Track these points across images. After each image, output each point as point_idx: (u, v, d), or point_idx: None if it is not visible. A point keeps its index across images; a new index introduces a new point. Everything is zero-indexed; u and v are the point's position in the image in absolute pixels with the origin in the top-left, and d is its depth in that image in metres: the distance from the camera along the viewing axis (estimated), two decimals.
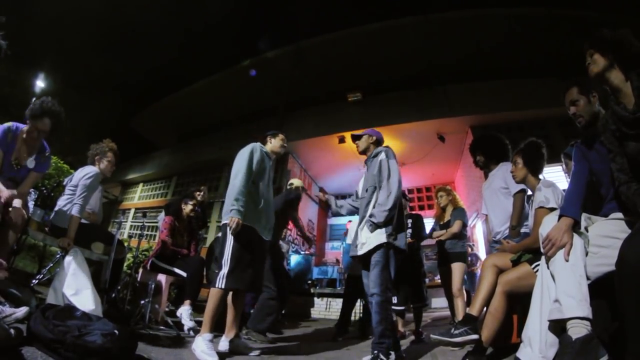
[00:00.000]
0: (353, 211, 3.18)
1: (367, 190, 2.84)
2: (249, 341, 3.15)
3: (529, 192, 2.79)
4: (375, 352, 2.40)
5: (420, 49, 10.04)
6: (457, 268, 4.07)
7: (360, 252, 2.68)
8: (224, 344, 2.68)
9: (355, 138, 3.17)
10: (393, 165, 2.79)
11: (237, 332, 2.78)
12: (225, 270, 2.57)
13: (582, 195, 1.74)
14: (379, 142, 3.11)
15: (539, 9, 9.02)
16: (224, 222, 2.73)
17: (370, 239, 2.63)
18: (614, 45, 1.52)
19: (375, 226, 2.61)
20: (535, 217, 2.35)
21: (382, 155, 2.84)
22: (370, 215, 2.66)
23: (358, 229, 2.80)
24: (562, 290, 1.44)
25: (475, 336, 1.99)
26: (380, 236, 2.60)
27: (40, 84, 10.40)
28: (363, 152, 3.12)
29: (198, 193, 4.97)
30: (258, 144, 3.10)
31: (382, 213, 2.60)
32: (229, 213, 2.63)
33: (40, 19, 12.62)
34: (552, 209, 2.22)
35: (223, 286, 2.54)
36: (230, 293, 2.77)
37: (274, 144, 3.23)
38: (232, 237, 2.63)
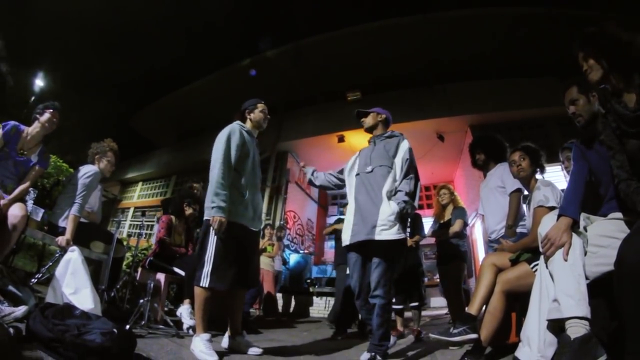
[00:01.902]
0: (328, 186, 3.10)
1: (379, 166, 2.66)
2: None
3: (525, 192, 2.81)
4: (373, 353, 2.37)
5: (419, 48, 10.04)
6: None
7: (379, 236, 2.44)
8: (224, 342, 2.65)
9: (362, 114, 3.03)
10: (414, 160, 2.71)
11: (239, 330, 2.70)
12: (208, 268, 2.45)
13: (581, 194, 1.74)
14: (387, 121, 3.02)
15: (539, 9, 9.02)
16: (206, 217, 2.59)
17: (398, 229, 2.46)
18: (608, 51, 1.50)
19: (405, 214, 2.48)
20: (534, 216, 2.35)
21: (406, 144, 2.73)
22: (406, 202, 2.47)
23: (381, 206, 2.51)
24: (560, 289, 1.45)
25: (474, 335, 1.99)
26: (403, 233, 2.51)
27: (39, 83, 10.40)
28: (369, 130, 2.99)
29: (195, 189, 4.96)
30: (236, 124, 2.87)
31: (413, 208, 2.53)
32: (210, 211, 2.48)
33: (40, 19, 12.59)
34: (551, 208, 2.23)
35: (207, 285, 2.42)
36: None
37: (254, 117, 3.02)
38: (214, 233, 2.49)
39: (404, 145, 2.71)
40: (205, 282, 2.43)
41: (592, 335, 1.33)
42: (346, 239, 2.67)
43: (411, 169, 2.65)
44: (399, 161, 2.65)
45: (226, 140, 2.72)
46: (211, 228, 2.51)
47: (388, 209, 2.49)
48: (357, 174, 2.80)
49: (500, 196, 3.16)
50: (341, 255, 5.12)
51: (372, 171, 2.68)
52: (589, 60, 1.57)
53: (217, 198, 2.48)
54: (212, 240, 2.51)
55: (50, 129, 2.98)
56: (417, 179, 2.65)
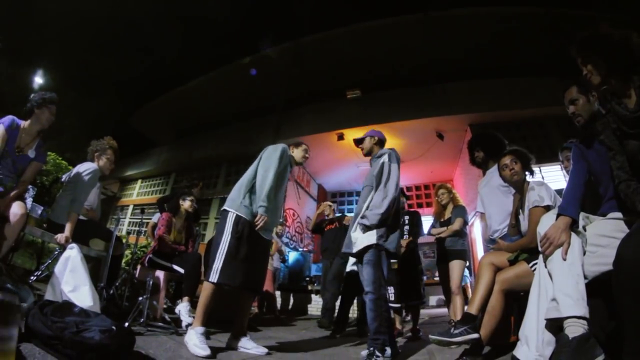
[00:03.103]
0: None
1: (363, 189, 2.92)
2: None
3: None
4: (371, 348, 2.43)
5: (419, 46, 10.02)
6: (456, 266, 4.06)
7: (351, 250, 2.80)
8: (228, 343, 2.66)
9: (358, 142, 3.22)
10: (394, 169, 2.82)
11: (243, 332, 2.71)
12: (218, 264, 2.54)
13: (580, 194, 1.75)
14: (381, 142, 3.17)
15: (539, 8, 9.01)
16: (228, 208, 2.72)
17: (360, 239, 2.70)
18: (606, 53, 1.50)
19: (366, 228, 2.67)
20: (530, 216, 2.35)
21: (385, 158, 2.88)
22: (363, 217, 2.71)
23: (350, 229, 2.86)
24: (559, 289, 1.45)
25: (475, 335, 1.98)
26: (370, 237, 2.65)
27: (38, 80, 10.39)
28: (368, 154, 3.17)
29: (195, 189, 4.98)
30: (287, 150, 3.07)
31: (375, 216, 2.64)
32: (259, 209, 2.64)
33: (40, 16, 12.56)
34: (546, 207, 2.24)
35: (215, 280, 2.51)
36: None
37: (296, 154, 3.18)
38: (231, 231, 2.61)
39: (382, 159, 2.89)
40: (214, 277, 2.52)
41: (590, 335, 1.33)
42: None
43: (380, 182, 2.80)
44: (375, 178, 2.84)
45: (282, 153, 2.92)
46: (228, 223, 2.64)
47: (356, 231, 2.78)
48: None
49: (503, 195, 3.12)
50: (324, 251, 5.54)
51: (360, 194, 2.96)
52: (587, 65, 1.57)
53: (267, 200, 2.67)
54: (227, 238, 2.60)
55: (47, 126, 2.93)
56: (387, 187, 2.74)
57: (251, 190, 2.78)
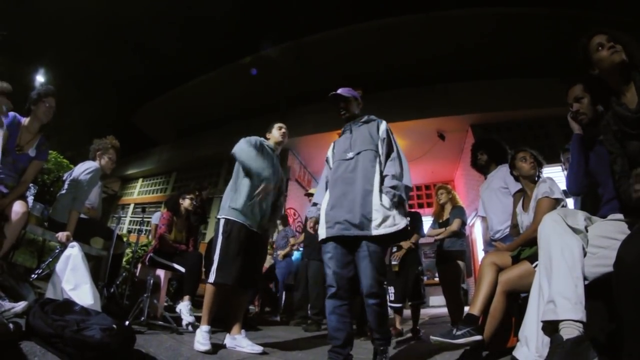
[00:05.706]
0: None
1: (365, 151, 2.40)
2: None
3: None
4: (382, 348, 2.28)
5: (421, 47, 10.01)
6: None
7: (377, 231, 2.13)
8: (226, 342, 2.69)
9: (341, 99, 2.70)
10: (393, 137, 2.52)
11: (238, 330, 2.74)
12: (214, 265, 2.66)
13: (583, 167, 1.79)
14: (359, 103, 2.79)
15: (541, 8, 9.00)
16: (219, 216, 2.84)
17: (393, 217, 2.17)
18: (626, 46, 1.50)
19: (400, 201, 2.21)
20: (539, 206, 2.36)
21: (384, 125, 2.54)
22: (395, 187, 2.21)
23: (373, 198, 2.21)
24: (558, 291, 1.44)
25: (478, 337, 1.94)
26: (404, 218, 2.21)
27: (40, 79, 10.41)
28: (351, 118, 2.72)
29: (204, 191, 4.99)
30: (259, 137, 3.19)
31: (406, 189, 2.27)
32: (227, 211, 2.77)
33: (41, 15, 12.57)
34: (556, 200, 2.30)
35: (213, 281, 2.62)
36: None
37: (273, 134, 3.30)
38: (222, 231, 2.73)
39: (383, 126, 2.55)
40: (212, 278, 2.63)
41: (585, 338, 1.32)
42: (323, 233, 2.34)
43: (391, 149, 2.45)
44: (380, 143, 2.45)
45: (251, 142, 3.06)
46: (220, 227, 2.75)
47: (380, 200, 2.21)
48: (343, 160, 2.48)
49: (503, 197, 3.17)
50: (307, 246, 5.10)
51: (354, 157, 2.41)
52: (615, 43, 1.53)
53: (262, 170, 2.86)
54: (219, 239, 2.72)
55: (47, 120, 2.89)
56: (400, 158, 2.41)
57: (235, 191, 2.91)
